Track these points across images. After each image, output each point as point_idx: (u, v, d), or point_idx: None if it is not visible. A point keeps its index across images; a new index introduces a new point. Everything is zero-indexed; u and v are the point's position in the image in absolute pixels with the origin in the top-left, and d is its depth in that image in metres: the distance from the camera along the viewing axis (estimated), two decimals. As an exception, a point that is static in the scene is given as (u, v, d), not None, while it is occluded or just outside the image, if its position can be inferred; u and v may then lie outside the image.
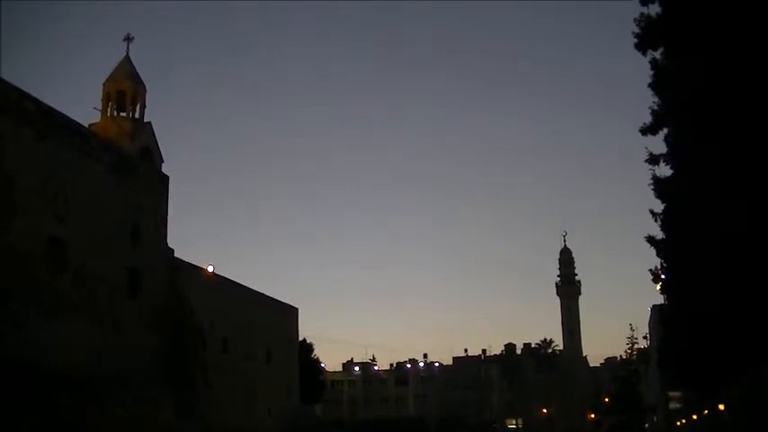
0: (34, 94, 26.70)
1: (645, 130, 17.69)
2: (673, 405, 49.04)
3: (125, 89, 39.60)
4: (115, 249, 30.43)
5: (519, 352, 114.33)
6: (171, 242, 35.95)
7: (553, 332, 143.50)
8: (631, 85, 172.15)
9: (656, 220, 21.11)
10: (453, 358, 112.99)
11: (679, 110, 15.63)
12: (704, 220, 15.51)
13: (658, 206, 21.04)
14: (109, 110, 39.35)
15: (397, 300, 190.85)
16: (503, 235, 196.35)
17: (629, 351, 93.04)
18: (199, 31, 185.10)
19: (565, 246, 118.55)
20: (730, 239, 14.02)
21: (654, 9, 14.97)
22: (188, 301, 35.82)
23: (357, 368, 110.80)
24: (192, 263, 38.77)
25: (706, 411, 39.29)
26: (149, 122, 40.51)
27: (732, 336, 17.43)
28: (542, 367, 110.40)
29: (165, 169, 38.70)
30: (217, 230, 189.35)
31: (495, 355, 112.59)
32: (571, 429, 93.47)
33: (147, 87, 40.77)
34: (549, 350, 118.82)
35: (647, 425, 69.02)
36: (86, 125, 34.48)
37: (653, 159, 19.08)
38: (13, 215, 24.70)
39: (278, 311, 51.12)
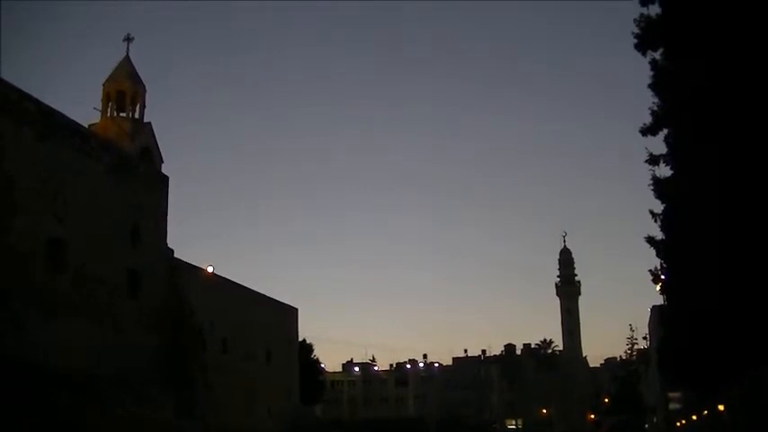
0: (34, 94, 26.77)
1: (645, 131, 17.73)
2: (672, 405, 49.04)
3: (125, 89, 39.61)
4: (115, 250, 30.42)
5: (519, 352, 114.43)
6: (171, 242, 35.99)
7: (553, 332, 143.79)
8: (631, 85, 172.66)
9: (655, 221, 21.13)
10: (453, 358, 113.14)
11: (679, 110, 15.64)
12: (704, 220, 15.50)
13: (658, 207, 21.08)
14: (109, 110, 39.36)
15: (397, 300, 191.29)
16: (503, 235, 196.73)
17: (629, 351, 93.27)
18: (199, 31, 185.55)
19: (565, 246, 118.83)
20: (730, 240, 14.01)
21: (654, 10, 15.01)
22: (188, 301, 35.80)
23: (357, 368, 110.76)
24: (192, 263, 38.78)
25: (706, 412, 39.27)
26: (149, 123, 40.52)
27: (732, 336, 17.42)
28: (542, 368, 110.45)
29: (165, 169, 38.74)
30: (217, 230, 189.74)
31: (494, 355, 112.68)
32: (571, 430, 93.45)
33: (147, 87, 40.84)
34: (549, 350, 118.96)
35: (646, 425, 69.01)
36: (86, 125, 34.52)
37: (653, 160, 19.11)
38: (13, 215, 24.70)
39: (278, 312, 51.11)
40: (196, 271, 39.09)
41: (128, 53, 40.46)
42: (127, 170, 32.58)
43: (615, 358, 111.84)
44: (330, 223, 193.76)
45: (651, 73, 16.57)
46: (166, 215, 35.48)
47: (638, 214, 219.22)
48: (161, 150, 40.35)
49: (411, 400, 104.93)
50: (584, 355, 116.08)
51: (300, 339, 58.55)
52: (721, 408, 32.83)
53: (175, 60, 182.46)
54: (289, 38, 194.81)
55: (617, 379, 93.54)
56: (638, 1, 15.02)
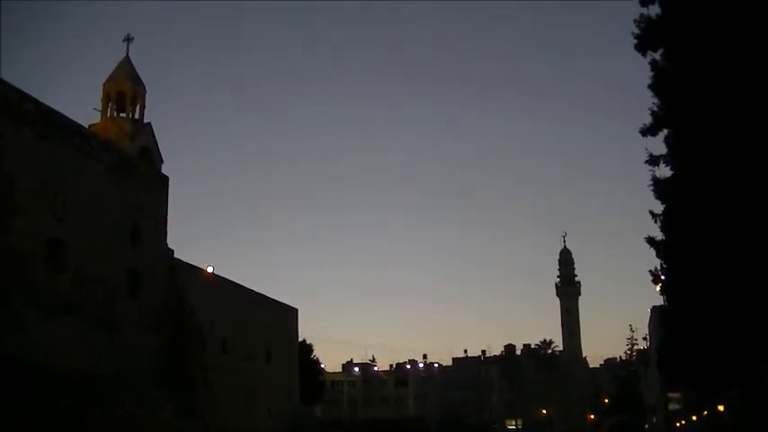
0: (34, 94, 26.79)
1: (645, 131, 17.74)
2: (672, 406, 49.08)
3: (125, 90, 39.63)
4: (115, 250, 30.42)
5: (519, 353, 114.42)
6: (171, 242, 36.00)
7: (553, 333, 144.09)
8: (631, 85, 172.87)
9: (655, 221, 21.13)
10: (453, 359, 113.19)
11: (679, 110, 15.64)
12: (704, 220, 15.50)
13: (658, 207, 21.09)
14: (109, 110, 39.38)
15: (397, 300, 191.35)
16: (503, 235, 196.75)
17: (629, 352, 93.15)
18: (199, 31, 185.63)
19: (564, 246, 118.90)
20: (730, 240, 14.01)
21: (654, 10, 15.03)
22: (188, 301, 35.80)
23: (357, 369, 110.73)
24: (192, 263, 38.77)
25: (706, 412, 39.25)
26: (149, 123, 40.55)
27: (732, 336, 17.41)
28: (542, 368, 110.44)
29: (164, 169, 38.76)
30: (217, 230, 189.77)
31: (494, 355, 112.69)
32: (571, 430, 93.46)
33: (146, 88, 40.88)
34: (549, 351, 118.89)
35: (646, 426, 69.00)
36: (86, 126, 34.53)
37: (653, 160, 19.11)
38: (13, 215, 24.71)
39: (278, 312, 51.10)
40: (196, 271, 39.09)
41: (128, 53, 40.55)
42: (127, 170, 32.59)
43: (615, 358, 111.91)
44: (330, 223, 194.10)
45: (651, 73, 16.59)
46: (166, 215, 35.49)
47: (638, 214, 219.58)
48: (161, 150, 40.42)
49: (411, 401, 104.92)
50: (584, 356, 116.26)
51: (300, 339, 58.57)
52: (721, 408, 32.81)
53: (175, 60, 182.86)
54: (289, 38, 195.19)
55: (617, 379, 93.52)
56: (638, 1, 15.04)
